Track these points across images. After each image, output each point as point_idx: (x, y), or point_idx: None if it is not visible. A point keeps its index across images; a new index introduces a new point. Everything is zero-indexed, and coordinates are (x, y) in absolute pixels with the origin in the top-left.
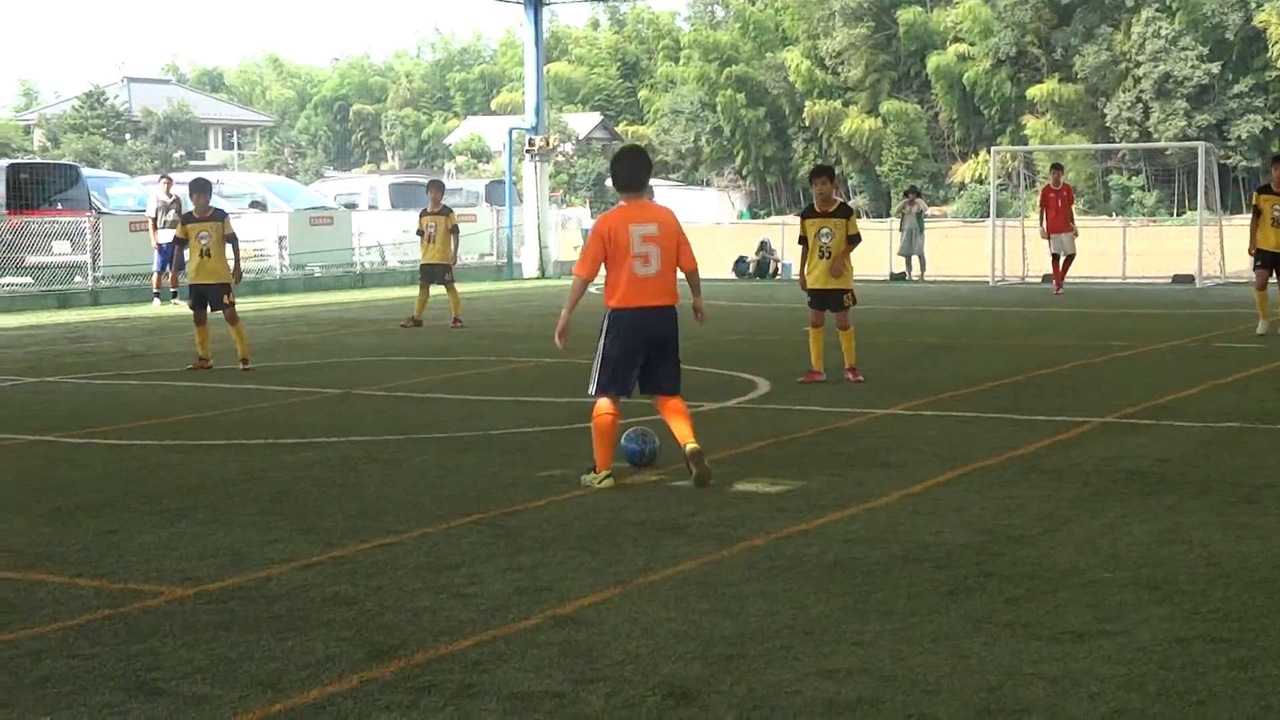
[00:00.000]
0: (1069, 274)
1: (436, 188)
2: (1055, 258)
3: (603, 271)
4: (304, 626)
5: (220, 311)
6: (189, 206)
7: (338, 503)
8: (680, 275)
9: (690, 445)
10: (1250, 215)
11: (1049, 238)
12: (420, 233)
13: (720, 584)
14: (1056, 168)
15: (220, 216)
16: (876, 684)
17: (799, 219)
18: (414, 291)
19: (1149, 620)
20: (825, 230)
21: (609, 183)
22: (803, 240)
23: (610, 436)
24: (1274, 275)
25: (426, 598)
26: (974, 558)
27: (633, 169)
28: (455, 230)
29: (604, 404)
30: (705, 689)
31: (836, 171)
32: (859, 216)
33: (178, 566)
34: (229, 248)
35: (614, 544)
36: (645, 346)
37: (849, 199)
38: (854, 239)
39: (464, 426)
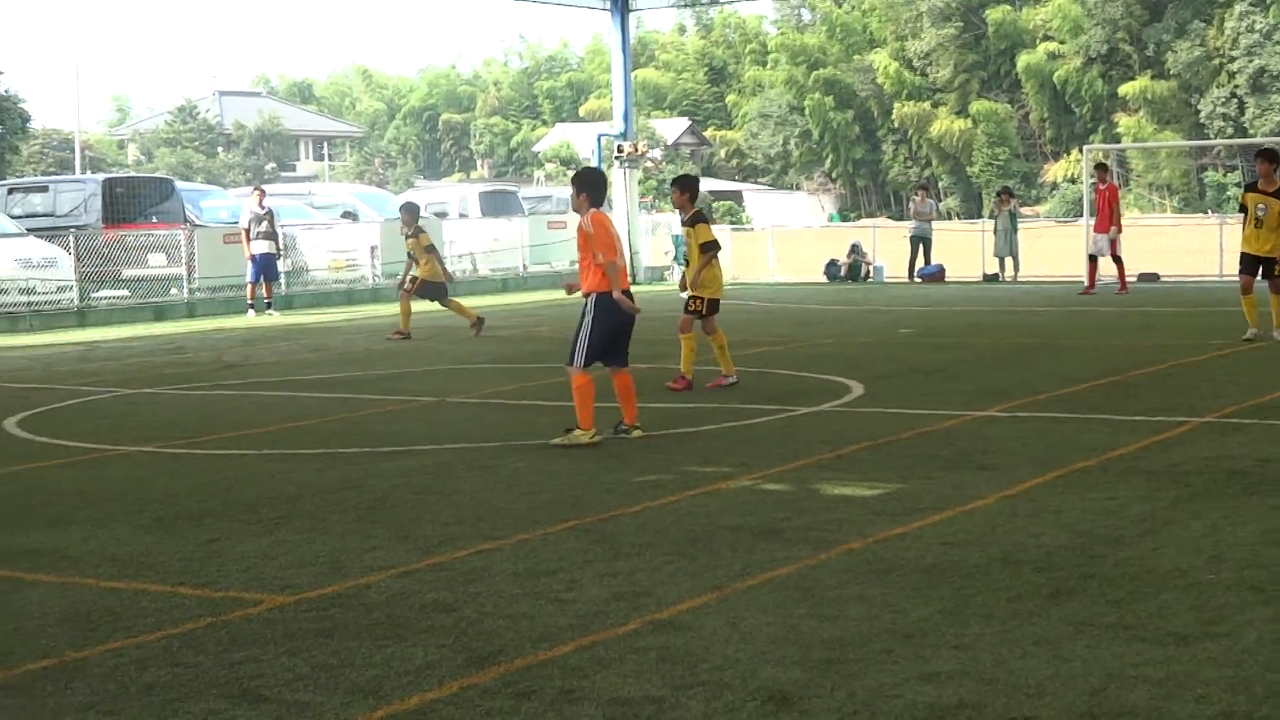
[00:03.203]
0: (1099, 274)
1: (407, 210)
2: (1092, 259)
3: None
4: (403, 633)
5: None
6: (282, 218)
7: (434, 510)
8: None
9: (637, 432)
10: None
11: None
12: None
13: (818, 588)
14: (1100, 167)
15: None
16: (978, 687)
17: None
18: (503, 300)
19: (1254, 621)
20: (683, 240)
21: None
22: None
23: (593, 395)
24: (1261, 278)
25: (524, 604)
26: (1074, 560)
27: (604, 185)
28: (432, 248)
29: (586, 375)
30: (805, 694)
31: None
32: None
33: (278, 574)
34: None
35: (711, 549)
36: (622, 323)
37: (939, 201)
38: (706, 246)
39: (558, 432)
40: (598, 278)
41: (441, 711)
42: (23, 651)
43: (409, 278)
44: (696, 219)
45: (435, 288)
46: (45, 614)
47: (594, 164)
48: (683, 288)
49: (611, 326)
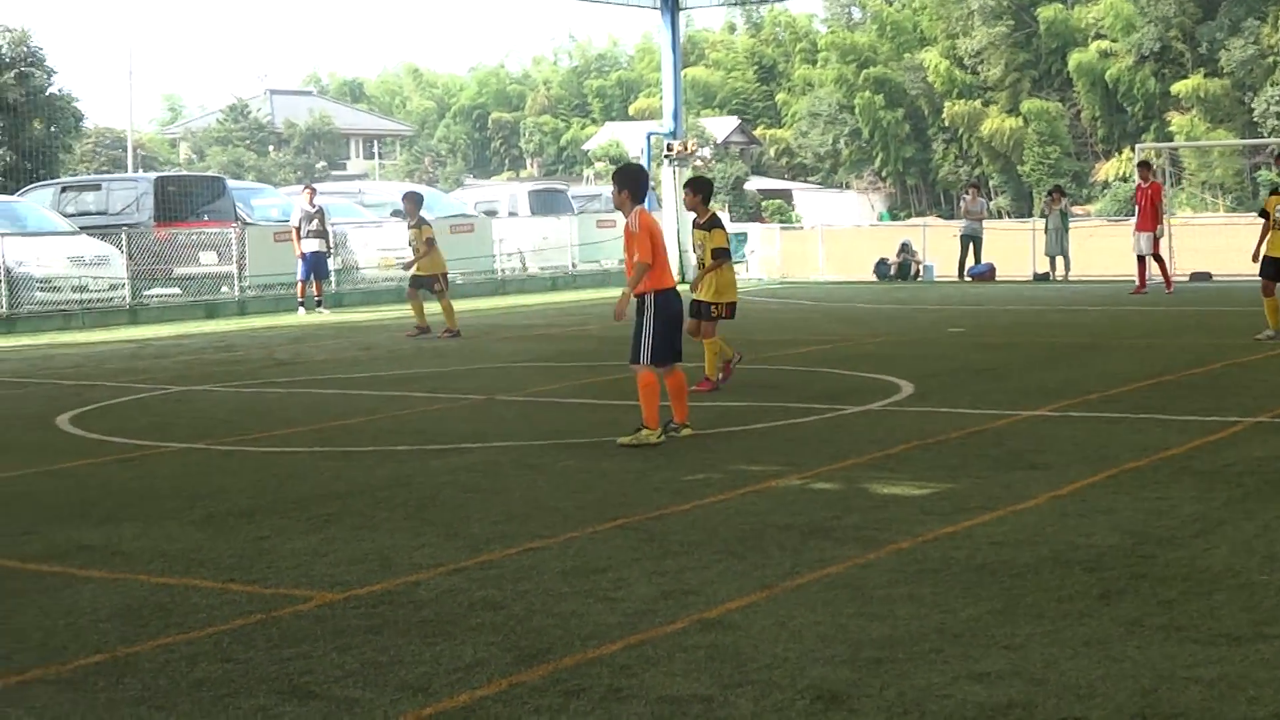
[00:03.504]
0: (1150, 273)
1: (410, 200)
2: (1141, 258)
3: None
4: (452, 631)
5: None
6: (333, 216)
7: (483, 508)
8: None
9: (687, 430)
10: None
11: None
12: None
13: (867, 587)
14: (1143, 165)
15: None
16: (1028, 687)
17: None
18: (551, 298)
19: None
20: (698, 243)
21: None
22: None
23: (659, 394)
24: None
25: (573, 602)
26: (1125, 560)
27: (646, 181)
28: (432, 241)
29: (653, 373)
30: (854, 692)
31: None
32: (999, 216)
33: (327, 571)
34: None
35: (760, 548)
36: (674, 319)
37: (990, 200)
38: (717, 252)
39: (607, 431)
40: (650, 275)
41: (490, 709)
42: (75, 646)
43: (436, 278)
44: (714, 223)
45: (425, 280)
46: (97, 609)
47: (642, 162)
48: (695, 289)
49: (666, 322)
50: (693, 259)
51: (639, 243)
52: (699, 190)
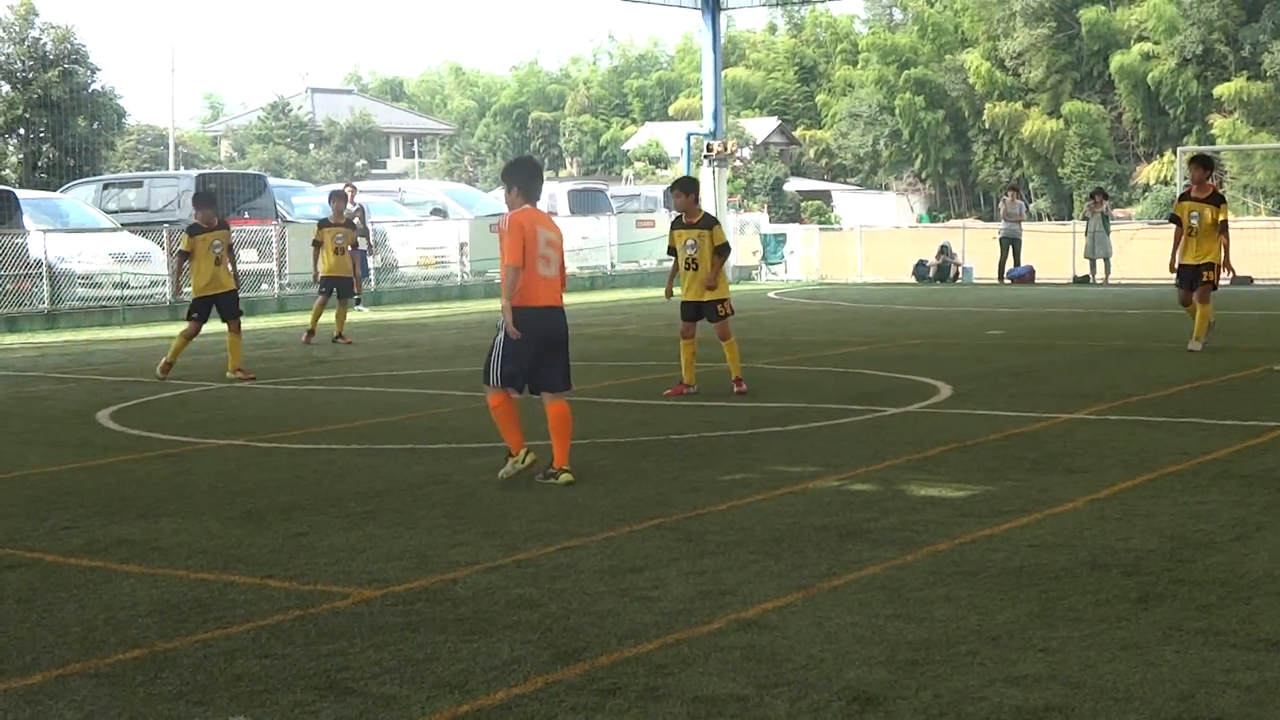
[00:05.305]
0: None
1: (339, 198)
2: None
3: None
4: (489, 628)
5: (230, 321)
6: (373, 215)
7: (521, 506)
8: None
9: (565, 476)
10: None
11: None
12: (316, 244)
13: (904, 589)
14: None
15: (226, 225)
16: (1065, 691)
17: (669, 230)
18: (590, 297)
19: None
20: (690, 241)
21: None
22: (672, 251)
23: (514, 417)
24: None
25: (610, 601)
26: (1164, 564)
27: (538, 179)
28: (356, 246)
29: (500, 395)
30: (890, 694)
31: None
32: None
33: (365, 568)
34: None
35: (797, 548)
36: (541, 344)
37: (1029, 202)
38: (721, 249)
39: (645, 431)
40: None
41: (526, 707)
42: (114, 641)
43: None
44: (711, 221)
45: (343, 281)
46: (136, 604)
47: (683, 165)
48: (668, 295)
49: (531, 342)
50: (732, 260)
51: (504, 242)
52: (689, 190)
